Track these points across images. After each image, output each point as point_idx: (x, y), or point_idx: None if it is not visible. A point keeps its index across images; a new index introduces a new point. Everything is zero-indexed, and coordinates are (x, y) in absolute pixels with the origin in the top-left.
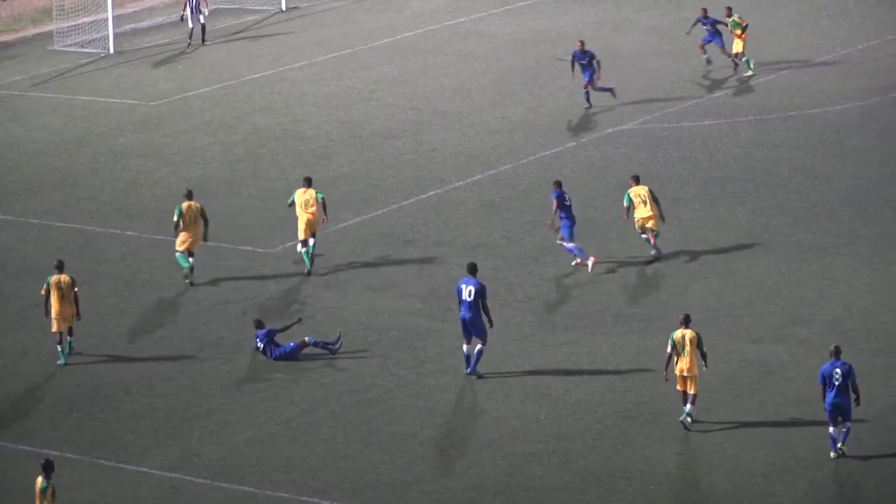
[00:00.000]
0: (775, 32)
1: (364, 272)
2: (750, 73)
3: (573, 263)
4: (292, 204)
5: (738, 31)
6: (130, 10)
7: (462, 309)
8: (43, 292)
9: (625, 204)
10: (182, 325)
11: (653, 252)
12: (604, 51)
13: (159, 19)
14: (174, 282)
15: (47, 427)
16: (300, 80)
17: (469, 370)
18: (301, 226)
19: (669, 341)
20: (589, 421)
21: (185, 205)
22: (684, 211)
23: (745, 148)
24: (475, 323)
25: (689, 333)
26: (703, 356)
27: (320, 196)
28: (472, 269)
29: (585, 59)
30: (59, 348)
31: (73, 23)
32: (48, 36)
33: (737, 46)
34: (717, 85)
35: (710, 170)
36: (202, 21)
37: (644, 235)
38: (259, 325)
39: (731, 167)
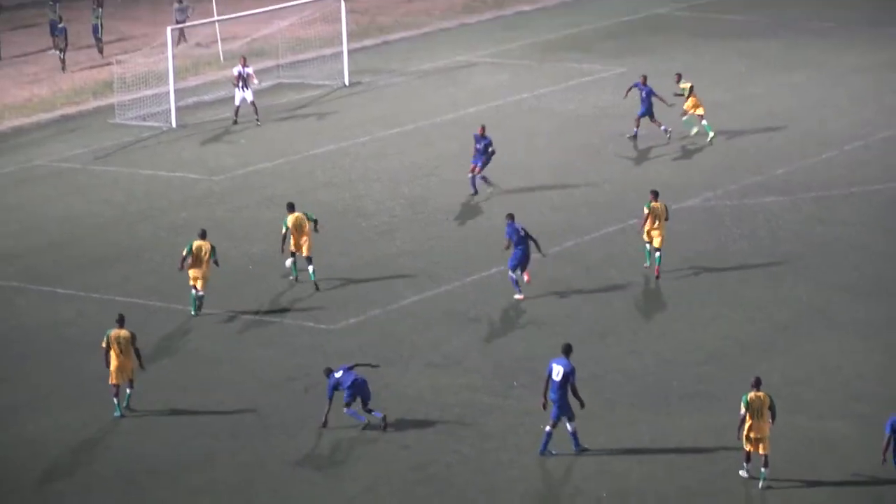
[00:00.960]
0: (836, 108)
1: (426, 349)
2: (711, 135)
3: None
4: (287, 232)
5: (691, 96)
6: (192, 83)
7: (551, 389)
8: (103, 345)
9: (644, 211)
10: (244, 402)
11: (646, 265)
12: (667, 127)
13: (222, 93)
14: (235, 357)
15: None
16: (363, 156)
17: (575, 449)
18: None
19: (743, 404)
20: (649, 499)
21: (196, 244)
22: (746, 288)
23: (806, 224)
24: (563, 404)
25: (762, 395)
26: (773, 417)
27: (312, 216)
28: (567, 350)
29: (481, 145)
30: (115, 401)
31: (135, 96)
32: (109, 109)
33: (698, 110)
34: (779, 162)
35: (772, 247)
36: (251, 99)
37: (647, 246)
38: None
39: (793, 244)
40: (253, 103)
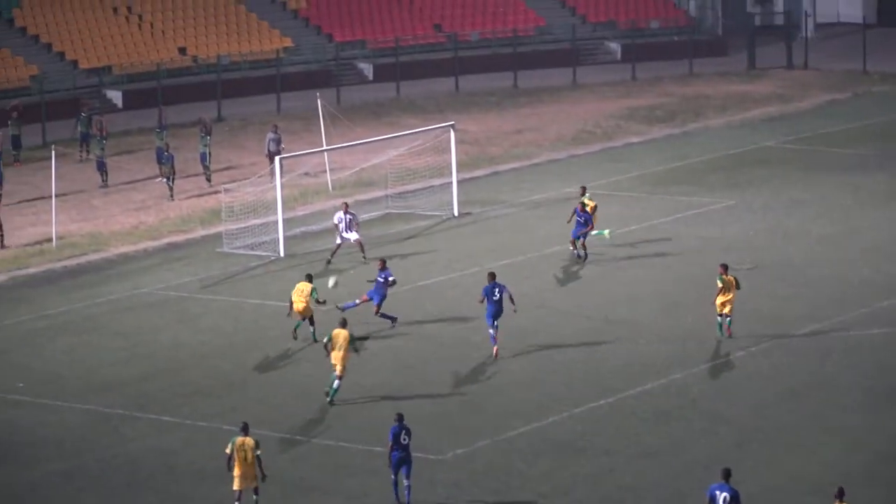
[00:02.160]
0: None
1: (534, 480)
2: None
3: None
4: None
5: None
6: (301, 213)
7: None
8: (227, 451)
9: (718, 285)
10: None
11: (718, 336)
12: (774, 260)
13: (330, 222)
14: (343, 486)
15: None
16: (472, 287)
17: None
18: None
19: None
20: None
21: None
22: (850, 418)
23: None
24: None
25: None
26: None
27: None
28: (727, 475)
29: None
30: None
31: (243, 225)
32: (217, 237)
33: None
34: (885, 294)
35: (877, 378)
36: (356, 238)
37: (718, 318)
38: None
39: None
40: (359, 241)
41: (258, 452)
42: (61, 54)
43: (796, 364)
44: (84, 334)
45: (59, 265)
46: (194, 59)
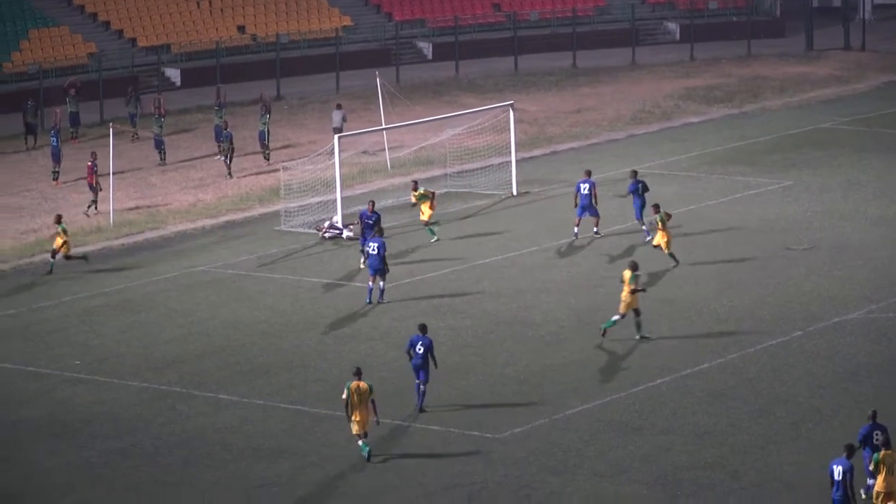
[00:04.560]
0: None
1: (591, 458)
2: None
3: None
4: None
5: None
6: (359, 191)
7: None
8: (343, 396)
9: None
10: None
11: None
12: (831, 240)
13: (389, 201)
14: (399, 463)
15: None
16: (530, 266)
17: None
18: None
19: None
20: None
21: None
22: None
23: None
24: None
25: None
26: None
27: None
28: (849, 450)
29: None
30: (360, 443)
31: (301, 203)
32: (275, 216)
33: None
34: None
35: None
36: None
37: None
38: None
39: None
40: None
41: (372, 397)
42: (119, 32)
43: (853, 344)
44: (141, 312)
45: (116, 243)
46: (253, 37)
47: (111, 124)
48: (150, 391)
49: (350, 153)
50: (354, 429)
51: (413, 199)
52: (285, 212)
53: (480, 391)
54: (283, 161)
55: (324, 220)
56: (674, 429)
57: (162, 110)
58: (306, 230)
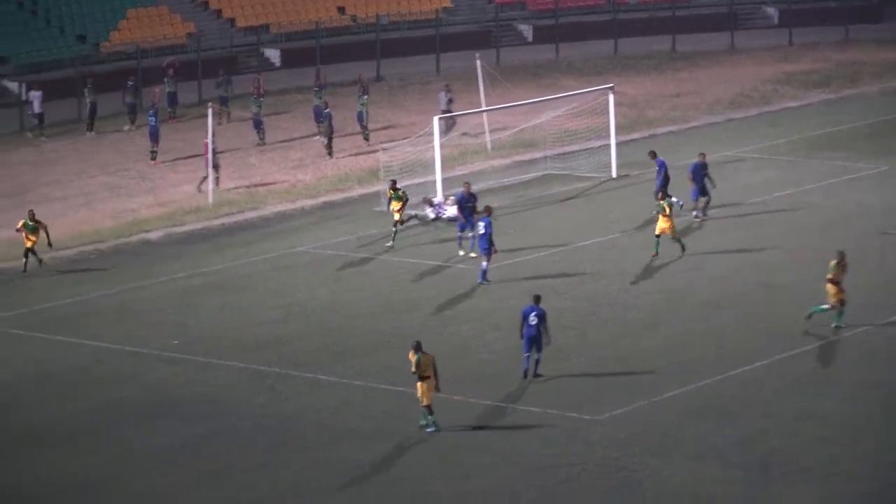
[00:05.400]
0: None
1: (689, 441)
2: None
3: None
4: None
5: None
6: (459, 172)
7: None
8: (413, 370)
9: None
10: (503, 489)
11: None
12: None
13: (490, 182)
14: (495, 444)
15: None
16: (630, 248)
17: None
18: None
19: None
20: None
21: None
22: None
23: None
24: None
25: None
26: None
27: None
28: None
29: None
30: (430, 419)
31: (401, 184)
32: (374, 196)
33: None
34: None
35: None
36: (431, 217)
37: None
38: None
39: None
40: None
41: (435, 366)
42: (218, 12)
43: None
44: (239, 292)
45: (215, 223)
46: (353, 18)
47: (209, 104)
48: (248, 371)
49: (450, 135)
50: (426, 399)
51: (389, 195)
52: (385, 193)
53: (580, 373)
54: (383, 142)
55: (433, 197)
56: (771, 412)
57: (261, 90)
58: (406, 211)
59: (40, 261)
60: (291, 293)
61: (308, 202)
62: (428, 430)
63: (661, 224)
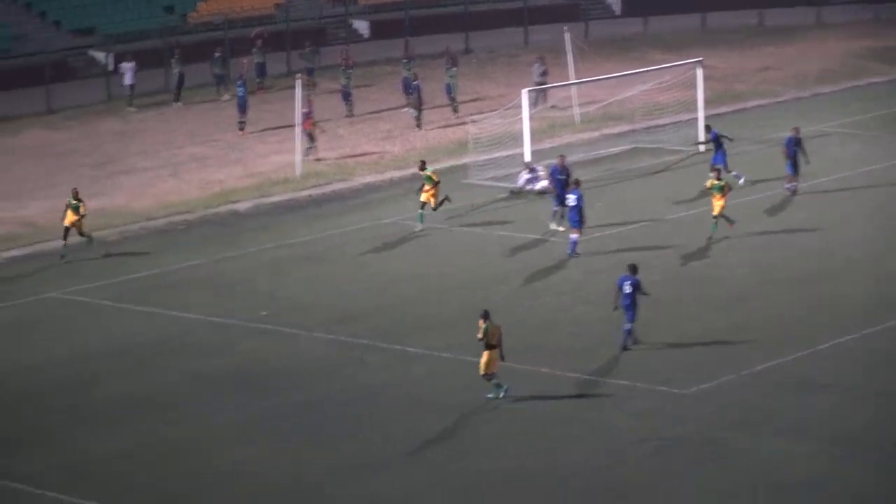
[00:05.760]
0: None
1: (776, 415)
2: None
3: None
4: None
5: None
6: (548, 145)
7: None
8: (480, 336)
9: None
10: (592, 463)
11: None
12: None
13: (579, 155)
14: (586, 417)
15: None
16: (719, 223)
17: None
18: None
19: None
20: None
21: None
22: None
23: None
24: None
25: None
26: None
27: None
28: None
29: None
30: (500, 388)
31: (489, 157)
32: (463, 168)
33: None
34: None
35: None
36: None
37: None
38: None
39: None
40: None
41: (502, 339)
42: None
43: None
44: (327, 264)
45: (303, 194)
46: None
47: (297, 76)
48: (336, 343)
49: (539, 108)
50: (494, 367)
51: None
52: (473, 165)
53: (667, 347)
54: (472, 114)
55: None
56: (858, 387)
57: (349, 62)
58: (494, 183)
59: (90, 238)
60: (380, 265)
61: (396, 174)
62: (488, 396)
63: (716, 203)
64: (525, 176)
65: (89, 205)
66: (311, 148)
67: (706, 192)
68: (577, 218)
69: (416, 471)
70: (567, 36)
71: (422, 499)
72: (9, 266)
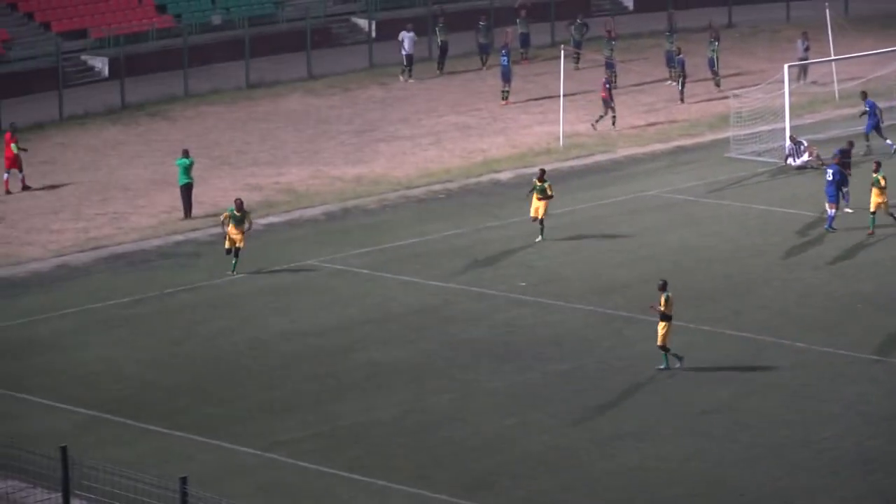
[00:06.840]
0: None
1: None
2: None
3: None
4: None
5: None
6: (808, 120)
7: None
8: (661, 307)
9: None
10: (848, 438)
11: None
12: None
13: (835, 131)
14: (840, 394)
15: None
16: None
17: None
18: None
19: None
20: None
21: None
22: None
23: None
24: None
25: None
26: None
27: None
28: None
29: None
30: (676, 357)
31: (751, 131)
32: (725, 143)
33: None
34: None
35: None
36: (796, 165)
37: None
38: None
39: None
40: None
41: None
42: None
43: None
44: (587, 235)
45: (565, 165)
46: None
47: (562, 46)
48: (596, 315)
49: (800, 83)
50: (669, 341)
51: (537, 184)
52: (735, 139)
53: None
54: (734, 88)
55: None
56: None
57: (613, 34)
58: (755, 158)
59: (234, 266)
60: (640, 237)
61: (659, 146)
62: (659, 367)
63: (875, 198)
64: (787, 147)
65: (348, 172)
66: (604, 117)
67: None
68: (834, 192)
69: (678, 440)
70: (828, 12)
71: (682, 472)
72: (267, 233)
